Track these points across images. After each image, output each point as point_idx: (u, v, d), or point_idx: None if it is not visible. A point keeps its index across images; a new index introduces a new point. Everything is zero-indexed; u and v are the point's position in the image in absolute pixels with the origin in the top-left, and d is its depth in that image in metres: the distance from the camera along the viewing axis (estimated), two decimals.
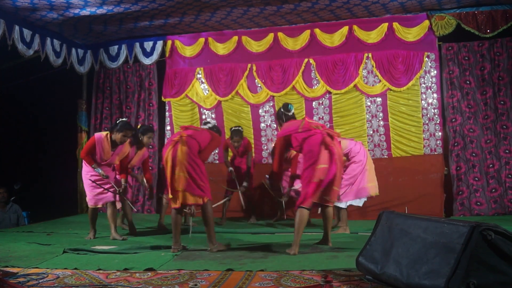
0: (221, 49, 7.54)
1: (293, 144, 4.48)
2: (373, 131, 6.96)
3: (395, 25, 6.89)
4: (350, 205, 5.59)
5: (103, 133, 5.27)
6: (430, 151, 6.77)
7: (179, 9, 6.46)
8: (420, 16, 6.83)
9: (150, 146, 7.00)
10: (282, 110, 4.76)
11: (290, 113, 4.72)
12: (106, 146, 5.18)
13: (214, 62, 7.57)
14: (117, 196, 5.39)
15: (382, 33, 6.94)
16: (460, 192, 6.59)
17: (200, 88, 7.62)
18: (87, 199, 5.38)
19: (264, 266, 3.65)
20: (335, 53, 7.12)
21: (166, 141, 6.62)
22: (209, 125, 4.99)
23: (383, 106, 6.95)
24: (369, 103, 7.00)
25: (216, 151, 7.52)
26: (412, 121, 6.84)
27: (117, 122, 5.26)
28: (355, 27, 7.04)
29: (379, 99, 6.98)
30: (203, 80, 7.61)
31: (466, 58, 6.71)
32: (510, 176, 6.47)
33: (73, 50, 7.54)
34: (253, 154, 6.85)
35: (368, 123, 6.97)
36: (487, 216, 6.35)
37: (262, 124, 7.40)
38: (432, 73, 6.83)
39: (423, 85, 6.85)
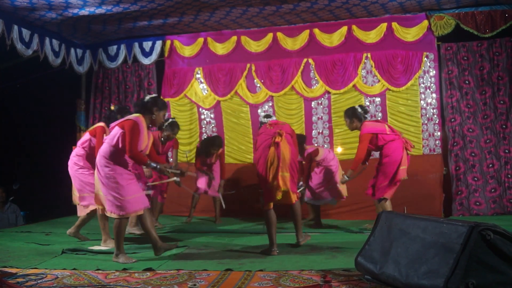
0: (220, 49, 7.54)
1: (377, 143, 5.11)
2: None
3: (394, 25, 6.89)
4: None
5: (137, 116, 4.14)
6: (429, 151, 6.77)
7: (178, 9, 6.46)
8: (419, 16, 6.83)
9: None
10: (360, 110, 5.24)
11: (367, 115, 5.32)
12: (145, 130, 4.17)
13: (213, 62, 7.57)
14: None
15: (381, 33, 6.94)
16: (459, 192, 6.59)
17: (199, 88, 7.61)
18: (131, 204, 4.03)
19: (263, 266, 3.65)
20: (334, 53, 7.12)
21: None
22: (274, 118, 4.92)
23: (382, 106, 6.95)
24: (368, 103, 6.99)
25: None
26: (411, 121, 6.83)
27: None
28: (354, 27, 7.04)
29: (378, 99, 6.98)
30: (202, 80, 7.61)
31: (465, 58, 6.72)
32: (509, 176, 6.47)
33: (72, 50, 7.53)
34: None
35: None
36: (486, 216, 6.34)
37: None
38: (431, 73, 6.83)
39: (422, 85, 6.85)
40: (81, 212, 5.00)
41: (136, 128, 3.97)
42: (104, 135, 4.73)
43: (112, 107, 5.07)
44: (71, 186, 5.04)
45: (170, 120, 5.97)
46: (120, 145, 3.99)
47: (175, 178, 4.56)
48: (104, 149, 4.04)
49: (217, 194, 6.52)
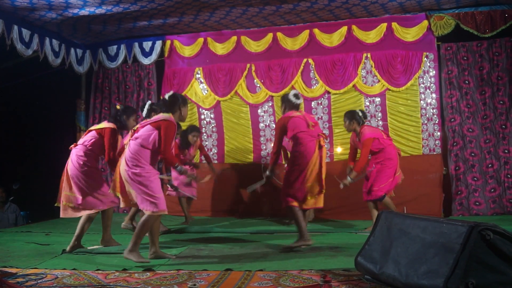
0: (220, 49, 7.54)
1: (378, 146, 5.38)
2: None
3: (394, 25, 6.89)
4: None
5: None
6: (429, 151, 6.77)
7: (178, 9, 6.46)
8: (419, 16, 6.83)
9: None
10: (361, 114, 5.49)
11: (365, 121, 5.57)
12: None
13: (213, 62, 7.57)
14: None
15: (381, 33, 6.94)
16: (459, 192, 6.60)
17: (199, 88, 7.61)
18: (162, 202, 4.05)
19: (263, 266, 3.66)
20: (334, 53, 7.12)
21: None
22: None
23: (382, 106, 6.95)
24: (368, 103, 7.00)
25: (216, 150, 7.56)
26: (411, 121, 6.84)
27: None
28: (354, 27, 7.04)
29: (378, 99, 6.98)
30: (202, 80, 7.61)
31: (465, 58, 6.72)
32: (509, 176, 6.48)
33: (72, 50, 7.53)
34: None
35: (367, 123, 6.94)
36: (486, 216, 6.35)
37: (261, 124, 7.39)
38: (431, 73, 6.84)
39: (422, 85, 6.85)
40: (66, 214, 4.62)
41: (173, 128, 4.04)
42: (120, 138, 4.76)
43: (118, 106, 4.91)
44: (60, 185, 4.75)
45: None
46: (156, 146, 4.03)
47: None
48: (136, 149, 4.01)
49: (194, 194, 6.47)
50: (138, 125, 4.27)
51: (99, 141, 4.67)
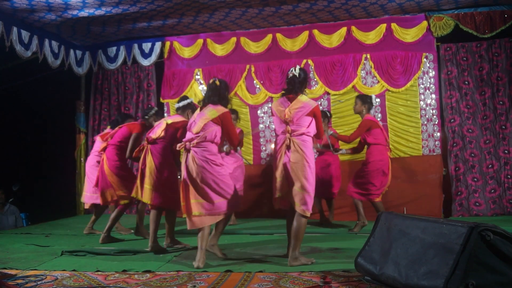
0: (219, 50, 7.54)
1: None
2: None
3: (394, 26, 6.90)
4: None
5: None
6: (429, 151, 6.77)
7: (178, 10, 6.46)
8: (418, 17, 6.83)
9: None
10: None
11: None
12: None
13: (213, 63, 7.57)
14: None
15: (380, 34, 6.94)
16: (459, 193, 6.60)
17: (199, 89, 7.61)
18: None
19: (263, 268, 3.65)
20: (334, 54, 7.12)
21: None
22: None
23: (381, 107, 6.96)
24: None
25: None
26: (410, 122, 6.84)
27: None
28: (353, 28, 7.04)
29: (377, 100, 6.98)
30: (202, 81, 7.61)
31: (465, 58, 6.72)
32: (509, 176, 6.47)
33: (71, 51, 7.53)
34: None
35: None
36: (486, 217, 6.35)
37: (261, 125, 7.39)
38: (430, 74, 6.84)
39: (421, 85, 6.85)
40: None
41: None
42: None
43: (217, 82, 4.12)
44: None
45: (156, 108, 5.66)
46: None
47: None
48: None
49: None
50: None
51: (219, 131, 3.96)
